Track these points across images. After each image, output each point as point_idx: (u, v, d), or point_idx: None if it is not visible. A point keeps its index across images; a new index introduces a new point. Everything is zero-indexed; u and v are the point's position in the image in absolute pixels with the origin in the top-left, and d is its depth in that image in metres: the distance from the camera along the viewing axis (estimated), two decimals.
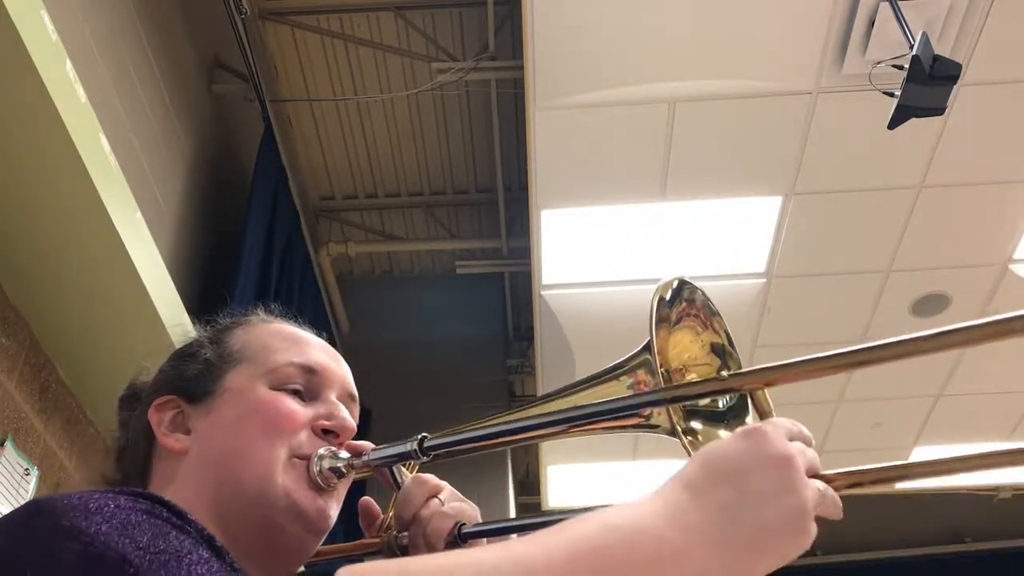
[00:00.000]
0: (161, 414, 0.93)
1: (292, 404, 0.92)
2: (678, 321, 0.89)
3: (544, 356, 4.70)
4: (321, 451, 0.90)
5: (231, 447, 0.89)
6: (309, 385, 0.95)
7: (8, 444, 2.19)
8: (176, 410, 0.93)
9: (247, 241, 3.63)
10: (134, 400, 1.00)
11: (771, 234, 4.13)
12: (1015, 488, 6.19)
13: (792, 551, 0.65)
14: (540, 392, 4.91)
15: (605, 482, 5.63)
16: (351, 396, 0.98)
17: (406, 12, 4.20)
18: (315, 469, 0.89)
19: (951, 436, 5.34)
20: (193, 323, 1.05)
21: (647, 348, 0.87)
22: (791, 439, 0.69)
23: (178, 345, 1.04)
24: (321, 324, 4.65)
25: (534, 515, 0.96)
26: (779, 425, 0.70)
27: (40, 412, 2.36)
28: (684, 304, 0.90)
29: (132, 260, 2.20)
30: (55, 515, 0.66)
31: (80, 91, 2.01)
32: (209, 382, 0.94)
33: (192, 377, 0.95)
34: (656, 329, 0.86)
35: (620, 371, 0.91)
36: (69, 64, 1.97)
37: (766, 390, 0.77)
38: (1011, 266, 4.25)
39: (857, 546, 6.91)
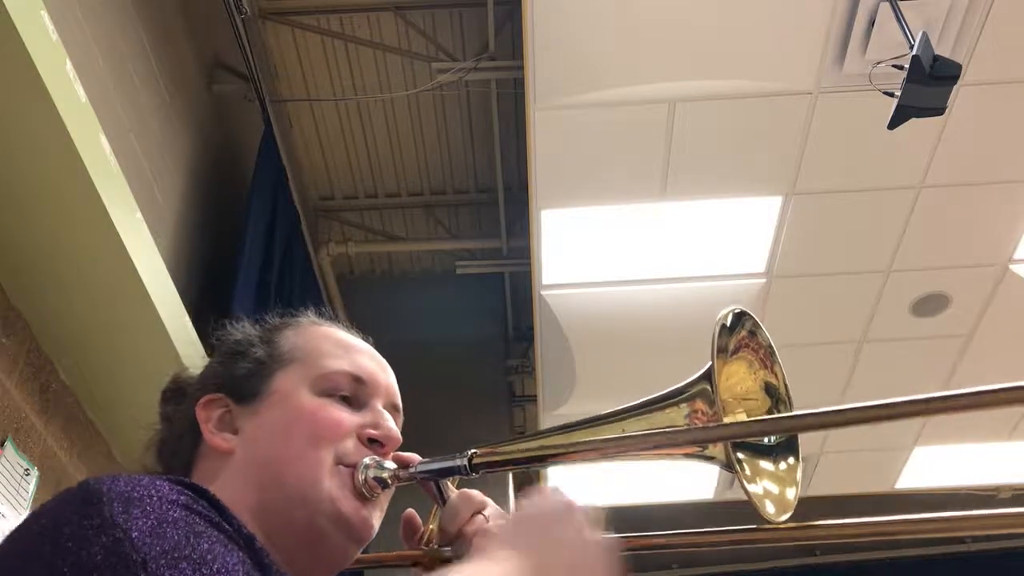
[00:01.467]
0: (209, 411, 0.93)
1: (339, 412, 0.92)
2: (735, 351, 0.91)
3: (544, 356, 4.70)
4: (367, 460, 0.90)
5: (277, 452, 0.89)
6: (356, 393, 0.95)
7: (8, 444, 2.19)
8: (224, 408, 0.93)
9: (247, 241, 3.62)
10: (178, 394, 1.00)
11: (771, 234, 4.12)
12: (1015, 488, 6.19)
13: (600, 567, 0.82)
14: (540, 392, 4.92)
15: (605, 483, 5.63)
16: (395, 406, 0.99)
17: (406, 12, 4.19)
18: (360, 478, 0.89)
19: (951, 436, 5.34)
20: (241, 320, 1.04)
21: (707, 377, 0.87)
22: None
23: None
24: None
25: None
26: (553, 487, 0.87)
27: (40, 412, 2.36)
28: (744, 334, 0.92)
29: (132, 260, 2.20)
30: (101, 504, 0.69)
31: (80, 91, 2.01)
32: (258, 382, 0.94)
33: (242, 376, 0.95)
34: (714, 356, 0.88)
35: (679, 397, 0.92)
36: (69, 64, 1.97)
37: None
38: (1011, 266, 4.25)
39: (857, 546, 6.91)
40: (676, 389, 0.92)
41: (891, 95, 2.90)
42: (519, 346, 5.51)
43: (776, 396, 0.93)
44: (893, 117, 2.89)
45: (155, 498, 0.70)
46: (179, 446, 0.95)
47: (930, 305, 4.46)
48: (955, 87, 2.87)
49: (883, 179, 3.91)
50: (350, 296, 5.29)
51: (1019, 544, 6.79)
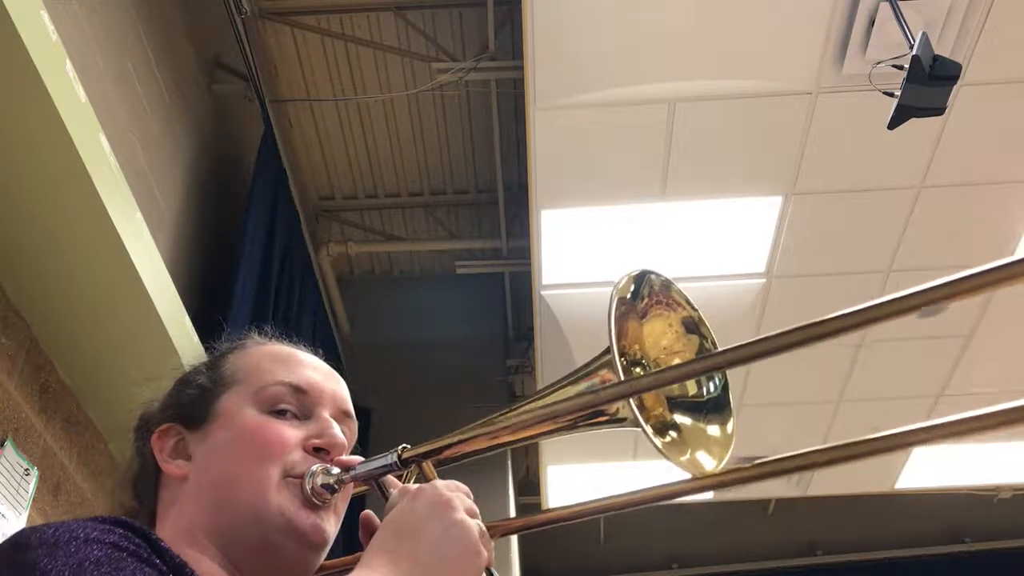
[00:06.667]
0: (163, 441, 0.97)
1: (281, 427, 0.94)
2: (645, 313, 0.95)
3: (544, 356, 4.70)
4: (314, 468, 0.93)
5: (226, 472, 0.92)
6: (300, 404, 0.97)
7: (8, 444, 2.19)
8: (177, 437, 0.97)
9: (247, 241, 3.62)
10: (145, 429, 1.04)
11: (771, 234, 4.12)
12: (1015, 488, 6.19)
13: (473, 570, 0.83)
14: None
15: (605, 482, 5.63)
16: (345, 412, 1.00)
17: (406, 12, 4.20)
18: (308, 486, 0.91)
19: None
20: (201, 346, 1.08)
21: (608, 350, 0.91)
22: (448, 491, 0.86)
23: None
24: (321, 324, 4.66)
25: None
26: (436, 483, 0.88)
27: (40, 412, 2.36)
28: (646, 296, 0.96)
29: (132, 260, 2.20)
30: (25, 550, 0.74)
31: (80, 91, 2.01)
32: (204, 407, 0.97)
33: (188, 403, 0.99)
34: (626, 322, 0.92)
35: (586, 371, 0.96)
36: (69, 64, 1.97)
37: (429, 461, 0.94)
38: None
39: (857, 546, 6.92)
40: (584, 364, 0.96)
41: (891, 95, 2.90)
42: (519, 346, 5.51)
43: (697, 330, 0.95)
44: (893, 117, 2.89)
45: (80, 540, 0.74)
46: (146, 478, 0.99)
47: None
48: (955, 87, 2.87)
49: (883, 179, 3.91)
50: (350, 296, 5.29)
51: (1019, 544, 6.80)
